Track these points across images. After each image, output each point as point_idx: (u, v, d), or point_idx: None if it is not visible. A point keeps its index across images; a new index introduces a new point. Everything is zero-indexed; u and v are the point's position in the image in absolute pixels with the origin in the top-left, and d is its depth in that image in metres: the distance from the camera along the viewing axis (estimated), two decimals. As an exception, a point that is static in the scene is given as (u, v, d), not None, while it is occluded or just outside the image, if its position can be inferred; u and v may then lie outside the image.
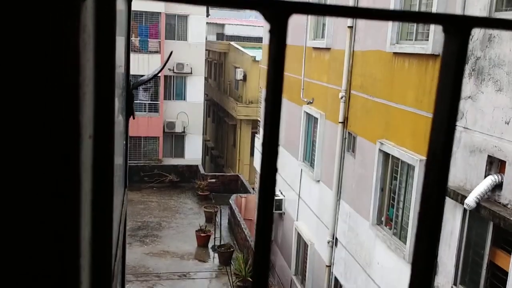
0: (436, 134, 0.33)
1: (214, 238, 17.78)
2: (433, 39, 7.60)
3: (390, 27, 8.93)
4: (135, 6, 26.79)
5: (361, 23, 10.39)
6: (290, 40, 14.66)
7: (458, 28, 0.34)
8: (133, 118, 1.72)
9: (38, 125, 0.41)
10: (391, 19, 0.34)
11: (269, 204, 0.41)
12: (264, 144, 0.32)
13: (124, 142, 1.56)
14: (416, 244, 0.41)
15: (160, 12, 25.95)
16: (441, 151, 0.34)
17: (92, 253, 0.66)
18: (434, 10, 7.60)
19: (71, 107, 0.40)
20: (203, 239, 17.87)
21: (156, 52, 26.03)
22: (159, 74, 25.47)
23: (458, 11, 7.03)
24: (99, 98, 0.57)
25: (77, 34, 0.39)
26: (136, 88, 2.00)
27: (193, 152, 27.90)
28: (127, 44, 1.75)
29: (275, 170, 0.35)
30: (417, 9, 8.39)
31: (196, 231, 18.11)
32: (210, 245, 17.90)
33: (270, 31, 0.32)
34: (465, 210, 6.65)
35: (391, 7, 8.90)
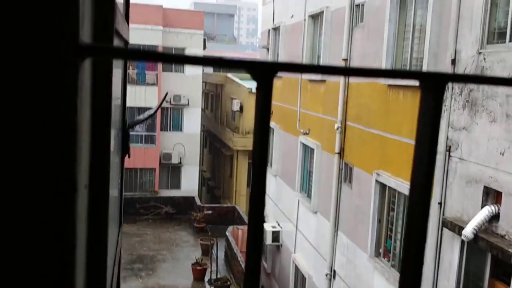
0: (414, 185, 0.35)
1: (211, 271, 17.53)
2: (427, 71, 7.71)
3: (384, 59, 9.07)
4: (133, 40, 27.14)
5: (356, 56, 10.56)
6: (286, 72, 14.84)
7: (433, 84, 0.36)
8: (129, 157, 1.74)
9: (35, 178, 0.43)
10: (371, 76, 0.36)
11: (258, 242, 0.43)
12: (251, 199, 0.33)
13: (119, 181, 1.58)
14: (403, 267, 0.42)
15: (158, 45, 26.31)
16: (420, 211, 0.35)
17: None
18: (426, 43, 7.75)
19: (67, 162, 0.42)
20: (199, 273, 17.61)
21: (153, 84, 26.26)
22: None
23: (450, 44, 7.17)
24: (95, 149, 0.59)
25: (75, 93, 0.41)
26: (132, 128, 2.02)
27: (190, 183, 27.80)
28: (123, 80, 1.78)
29: (261, 233, 0.37)
30: (410, 43, 8.55)
31: (192, 264, 17.87)
32: (206, 278, 17.64)
33: (257, 88, 0.35)
34: (462, 241, 6.62)
35: (384, 46, 9.06)
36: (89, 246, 0.60)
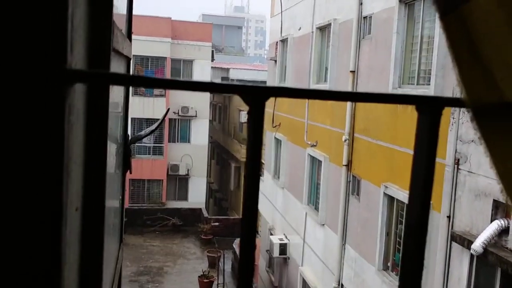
0: (411, 209, 0.34)
1: (217, 284, 17.44)
2: (435, 83, 7.69)
3: (392, 70, 9.06)
4: (141, 52, 26.97)
5: (363, 68, 10.56)
6: (294, 83, 14.88)
7: (429, 108, 0.35)
8: (130, 172, 1.74)
9: (21, 203, 0.42)
10: (367, 100, 0.36)
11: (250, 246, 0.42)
12: (242, 226, 0.32)
13: (120, 197, 1.57)
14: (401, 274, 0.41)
15: (166, 57, 26.48)
16: (418, 227, 0.34)
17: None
18: (435, 56, 7.73)
19: (53, 187, 0.42)
20: (206, 285, 17.53)
21: (161, 95, 26.38)
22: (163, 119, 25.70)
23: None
24: (89, 169, 0.59)
25: (62, 117, 0.41)
26: (133, 143, 2.03)
27: (197, 195, 27.78)
28: (125, 93, 1.79)
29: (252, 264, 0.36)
30: (417, 55, 8.53)
31: (198, 276, 17.79)
32: (213, 290, 17.56)
33: (248, 113, 0.34)
34: (472, 255, 6.54)
35: (392, 58, 9.05)
36: (82, 268, 0.60)
